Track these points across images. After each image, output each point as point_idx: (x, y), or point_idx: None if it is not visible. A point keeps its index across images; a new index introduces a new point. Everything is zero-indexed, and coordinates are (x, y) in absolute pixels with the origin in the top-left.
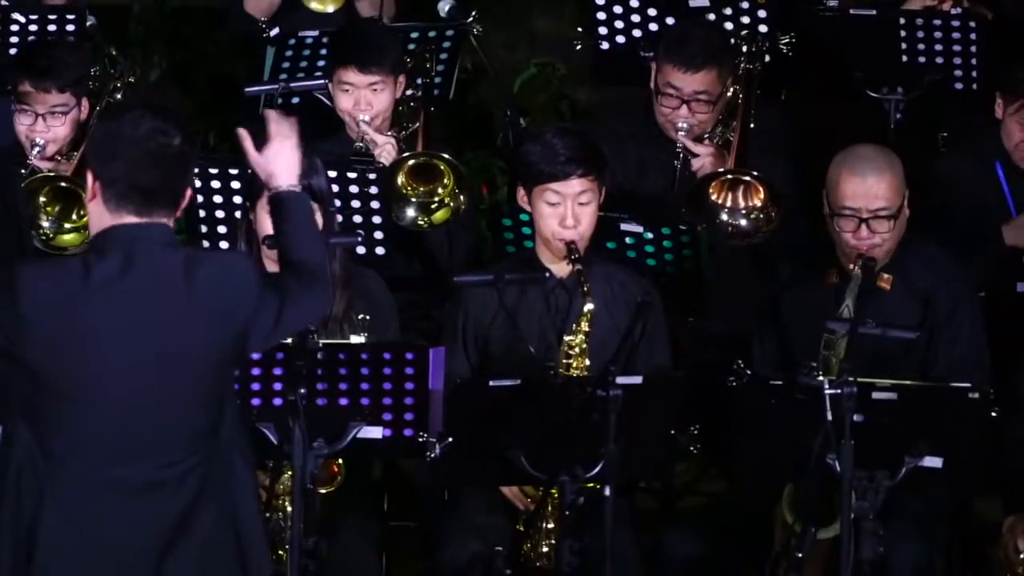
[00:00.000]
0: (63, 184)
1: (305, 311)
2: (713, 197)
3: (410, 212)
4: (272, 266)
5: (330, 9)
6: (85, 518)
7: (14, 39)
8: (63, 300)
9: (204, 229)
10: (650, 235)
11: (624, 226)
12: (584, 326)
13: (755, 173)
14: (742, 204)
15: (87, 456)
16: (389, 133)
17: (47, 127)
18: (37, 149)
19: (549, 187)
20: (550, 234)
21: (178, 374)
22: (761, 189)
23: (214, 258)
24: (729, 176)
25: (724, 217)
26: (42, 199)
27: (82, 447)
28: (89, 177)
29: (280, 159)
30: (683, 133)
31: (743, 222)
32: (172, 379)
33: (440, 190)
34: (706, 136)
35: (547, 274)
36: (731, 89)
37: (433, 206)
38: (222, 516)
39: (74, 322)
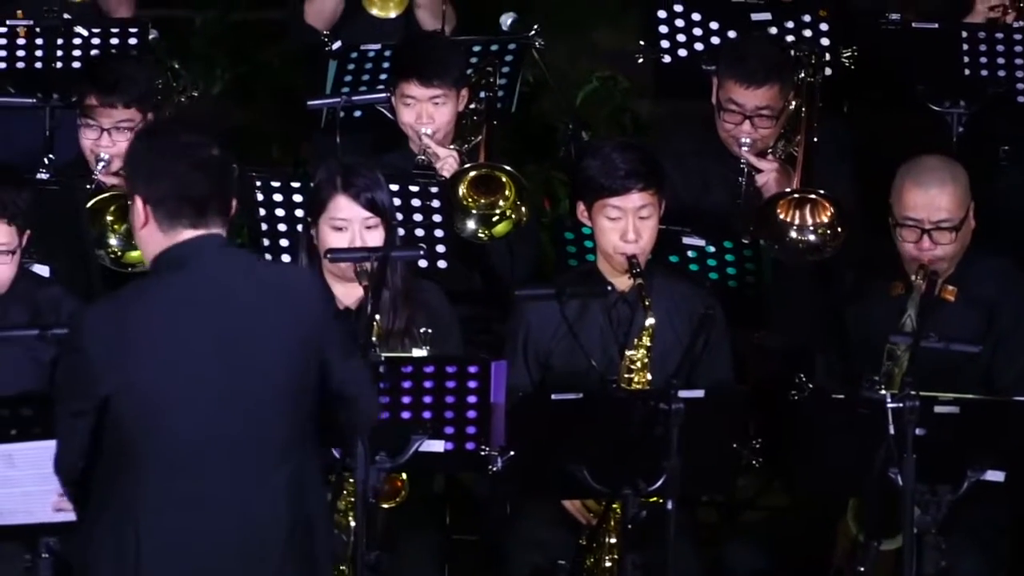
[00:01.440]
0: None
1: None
2: (781, 216)
3: (471, 224)
4: (333, 280)
5: (392, 15)
6: (176, 533)
7: (77, 52)
8: (128, 332)
9: (266, 243)
10: (712, 249)
11: (686, 240)
12: (646, 340)
13: (822, 192)
14: (810, 221)
15: (174, 474)
16: (451, 146)
17: (112, 142)
18: (102, 164)
19: (609, 201)
20: (611, 248)
21: (256, 384)
22: (828, 205)
23: (277, 264)
24: (796, 195)
25: (793, 235)
26: (109, 217)
27: (168, 465)
28: (137, 203)
29: None
30: (746, 148)
31: (812, 238)
32: (251, 390)
33: (501, 202)
34: (769, 151)
35: (609, 288)
36: (793, 103)
37: (494, 218)
38: (302, 529)
39: (144, 348)
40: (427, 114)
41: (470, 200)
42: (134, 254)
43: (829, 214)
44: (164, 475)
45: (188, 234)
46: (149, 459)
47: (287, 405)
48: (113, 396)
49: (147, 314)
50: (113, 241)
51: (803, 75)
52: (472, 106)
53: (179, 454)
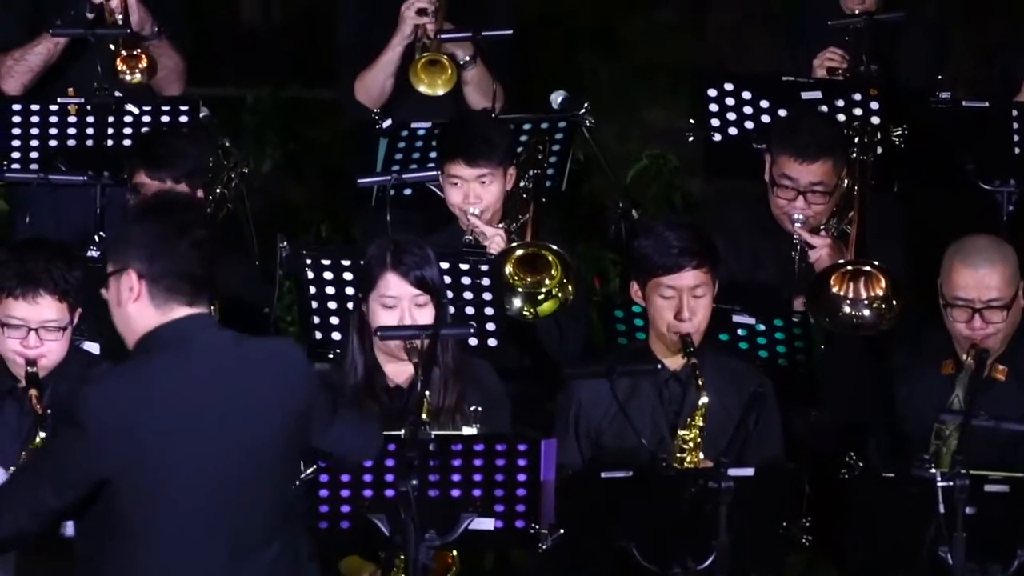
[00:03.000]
0: None
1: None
2: (834, 289)
3: (517, 302)
4: (384, 358)
5: (440, 92)
6: None
7: (128, 130)
8: (132, 413)
9: (316, 320)
10: (762, 327)
11: (736, 318)
12: (699, 420)
13: (876, 263)
14: (864, 294)
15: (169, 548)
16: (500, 225)
17: None
18: None
19: (663, 280)
20: (665, 327)
21: (250, 463)
22: (882, 278)
23: (266, 341)
24: (849, 267)
25: (847, 309)
26: None
27: (164, 540)
28: (130, 277)
29: None
30: (799, 224)
31: (866, 313)
32: (245, 469)
33: (547, 281)
34: (822, 228)
35: (660, 366)
36: (845, 181)
37: (540, 297)
38: None
39: (147, 428)
40: (474, 194)
41: (516, 278)
42: None
43: (883, 287)
44: (159, 549)
45: (183, 312)
46: (146, 533)
47: (278, 483)
48: (114, 474)
49: (149, 394)
50: None
51: (855, 153)
52: (521, 184)
53: (176, 530)
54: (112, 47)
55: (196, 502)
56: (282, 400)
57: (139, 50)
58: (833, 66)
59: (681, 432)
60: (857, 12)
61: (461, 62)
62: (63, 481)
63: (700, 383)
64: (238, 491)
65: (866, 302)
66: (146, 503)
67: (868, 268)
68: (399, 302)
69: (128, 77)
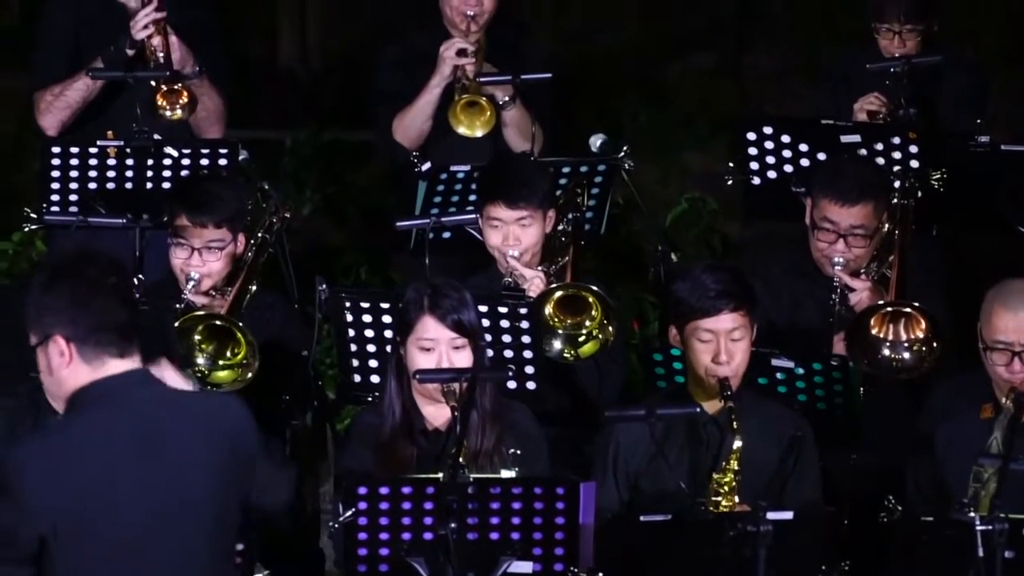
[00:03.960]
0: (218, 322)
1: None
2: (874, 331)
3: (557, 344)
4: (422, 401)
5: (479, 134)
6: None
7: (167, 173)
8: (59, 469)
9: (355, 363)
10: (801, 370)
11: (775, 361)
12: (734, 464)
13: (916, 304)
14: (904, 337)
15: None
16: (539, 267)
17: (203, 261)
18: (192, 283)
19: (701, 323)
20: (703, 370)
21: (187, 516)
22: (923, 320)
23: (200, 394)
24: (889, 308)
25: (886, 352)
26: (197, 337)
27: None
28: (58, 343)
29: None
30: (839, 268)
31: (906, 355)
32: (182, 524)
33: (587, 323)
34: (862, 271)
35: (698, 409)
36: (886, 225)
37: (580, 338)
38: None
39: (74, 482)
40: (514, 236)
41: (556, 320)
42: (221, 374)
43: (923, 328)
44: None
45: (116, 365)
46: None
47: (213, 533)
48: (48, 530)
49: (75, 448)
50: (200, 360)
51: (896, 196)
52: (560, 227)
53: None
54: (152, 83)
55: (125, 553)
56: (212, 453)
57: (179, 85)
58: (873, 110)
59: (716, 476)
60: (897, 55)
61: (500, 103)
62: (15, 552)
63: (736, 427)
64: (169, 541)
65: (906, 344)
66: (76, 556)
67: (908, 310)
68: (436, 345)
69: (168, 113)
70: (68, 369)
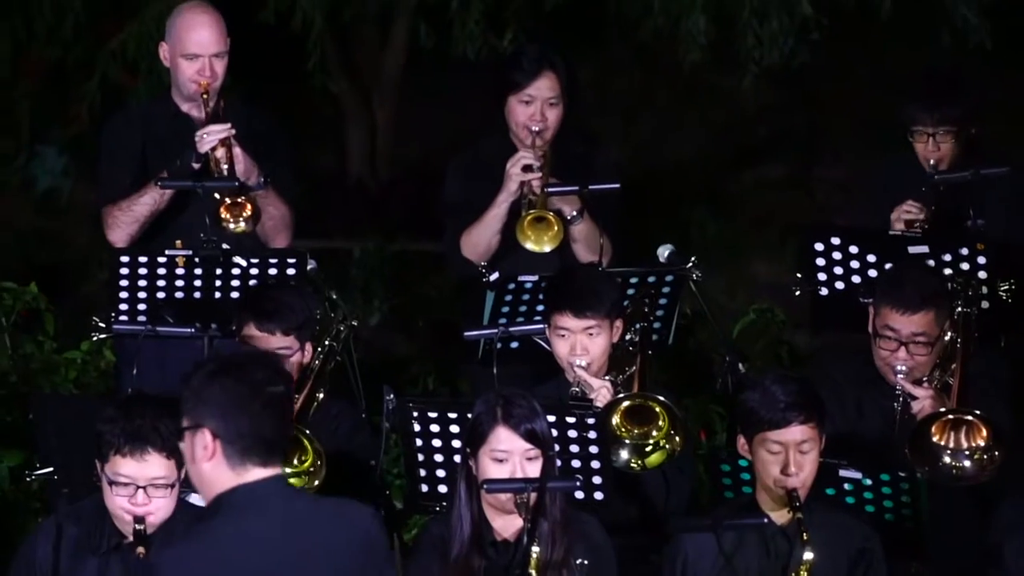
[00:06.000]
0: None
1: None
2: (935, 439)
3: (624, 454)
4: (492, 512)
5: (547, 249)
6: None
7: (235, 282)
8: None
9: (423, 473)
10: (869, 481)
11: (843, 472)
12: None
13: (977, 412)
14: (965, 444)
15: None
16: (606, 377)
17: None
18: None
19: (770, 435)
20: (772, 481)
21: None
22: (984, 428)
23: (335, 502)
24: (951, 416)
25: (947, 459)
26: None
27: None
28: (205, 436)
29: None
30: (902, 376)
31: (967, 463)
32: None
33: (655, 432)
34: (925, 379)
35: (766, 520)
36: (949, 334)
37: (647, 448)
38: None
39: None
40: (581, 346)
41: (624, 430)
42: (292, 481)
43: (984, 436)
44: None
45: (258, 473)
46: None
47: None
48: None
49: (218, 557)
50: None
51: (959, 305)
52: (627, 336)
53: None
54: (216, 196)
55: None
56: (354, 563)
57: (243, 198)
58: (910, 218)
59: None
60: (932, 161)
61: (568, 217)
62: None
63: (805, 538)
64: None
65: (967, 452)
66: None
67: (969, 417)
68: (510, 456)
69: (232, 226)
70: (209, 464)
